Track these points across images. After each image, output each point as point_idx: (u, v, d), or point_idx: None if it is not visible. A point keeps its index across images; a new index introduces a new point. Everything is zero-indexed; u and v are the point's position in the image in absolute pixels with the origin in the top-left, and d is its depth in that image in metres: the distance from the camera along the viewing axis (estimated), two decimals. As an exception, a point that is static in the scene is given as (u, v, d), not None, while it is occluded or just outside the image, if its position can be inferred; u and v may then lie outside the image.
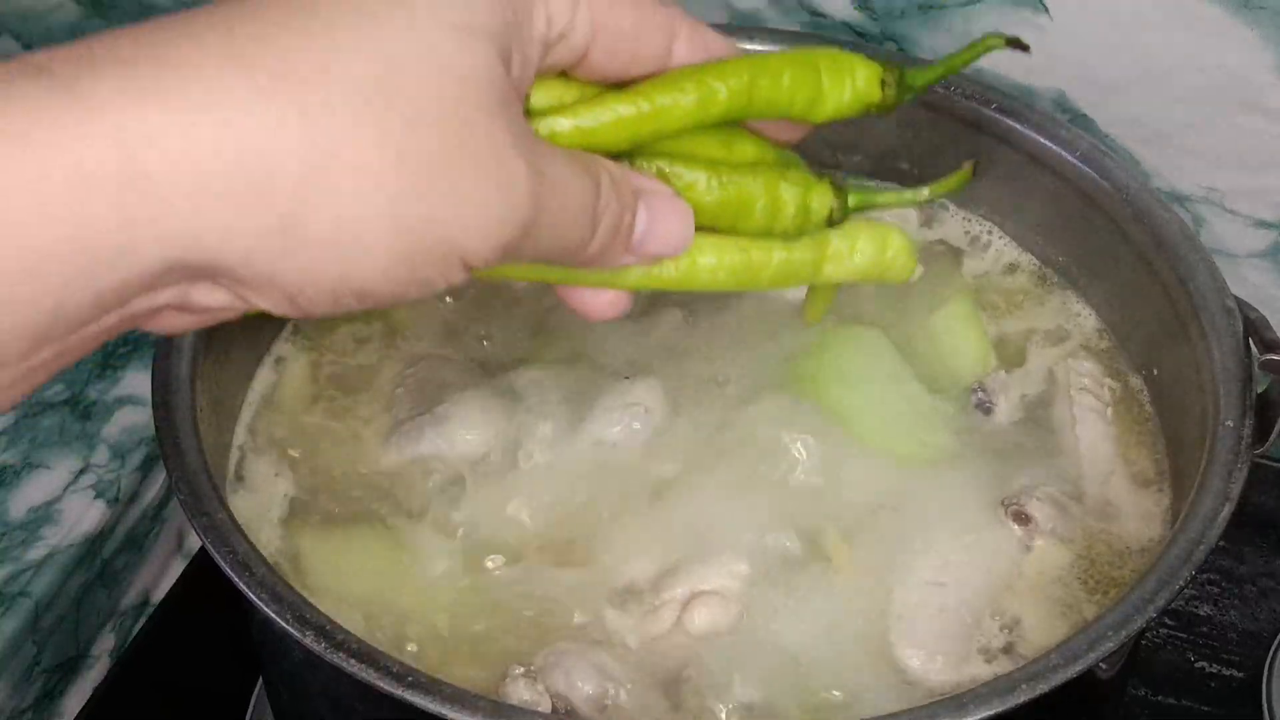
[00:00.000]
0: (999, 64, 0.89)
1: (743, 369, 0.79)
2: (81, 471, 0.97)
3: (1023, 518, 0.72)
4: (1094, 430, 0.77)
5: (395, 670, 0.60)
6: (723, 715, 0.66)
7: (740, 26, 0.89)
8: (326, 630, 0.61)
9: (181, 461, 0.67)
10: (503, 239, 0.45)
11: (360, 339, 0.82)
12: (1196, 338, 0.72)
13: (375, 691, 0.59)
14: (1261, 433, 0.68)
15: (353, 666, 0.60)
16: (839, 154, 0.89)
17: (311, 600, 0.62)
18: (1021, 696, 0.59)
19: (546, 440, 0.75)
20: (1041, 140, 0.81)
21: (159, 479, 1.00)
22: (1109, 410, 0.78)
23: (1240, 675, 0.84)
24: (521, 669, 0.67)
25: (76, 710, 0.94)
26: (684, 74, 0.56)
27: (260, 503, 0.75)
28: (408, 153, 0.42)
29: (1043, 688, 0.60)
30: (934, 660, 0.68)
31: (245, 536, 0.65)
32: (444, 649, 0.69)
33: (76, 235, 0.39)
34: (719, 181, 0.58)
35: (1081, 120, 0.89)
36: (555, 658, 0.68)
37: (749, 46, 0.86)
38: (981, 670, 0.68)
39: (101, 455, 0.98)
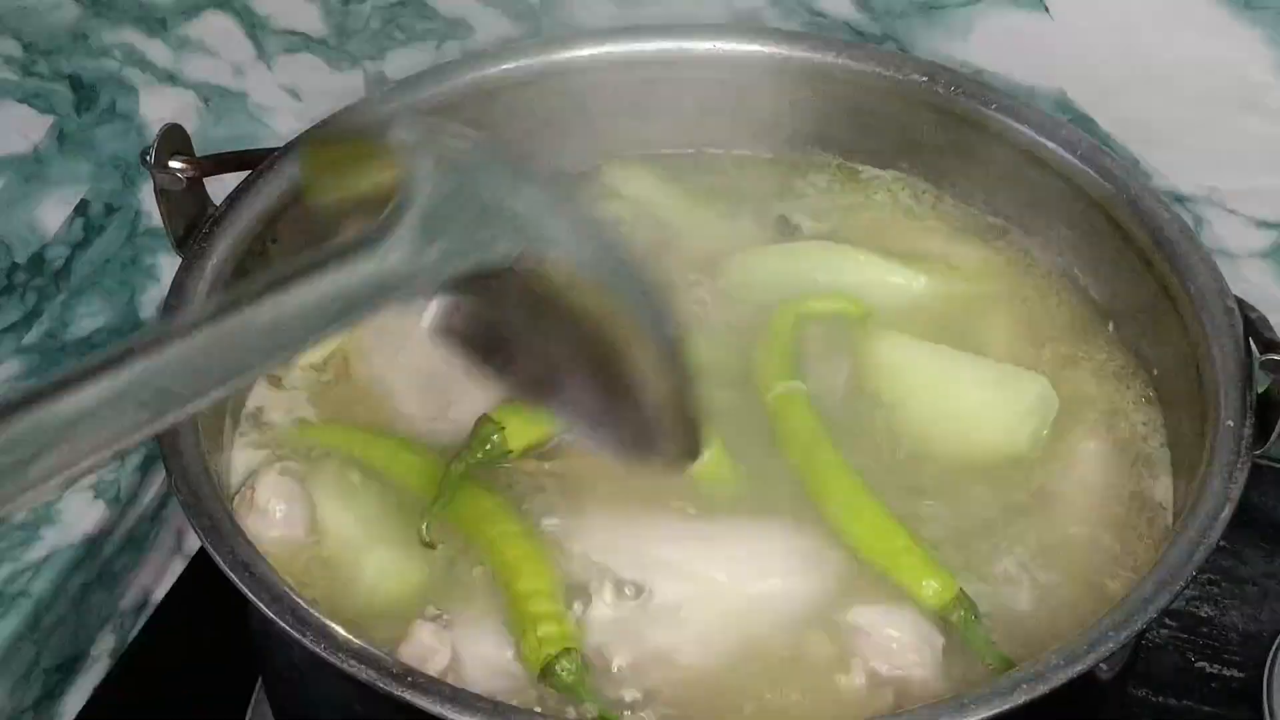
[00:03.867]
0: (999, 64, 0.89)
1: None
2: (81, 472, 0.97)
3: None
4: (1097, 477, 0.76)
5: (395, 670, 0.60)
6: None
7: (740, 26, 0.89)
8: (326, 630, 0.61)
9: (181, 461, 0.67)
10: None
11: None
12: (1197, 338, 0.72)
13: (375, 691, 0.59)
14: (1261, 433, 0.68)
15: (353, 667, 0.60)
16: (839, 154, 0.89)
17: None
18: (1021, 697, 0.59)
19: None
20: (1041, 140, 0.81)
21: (159, 479, 1.00)
22: (1113, 456, 0.77)
23: (1241, 676, 0.84)
24: (436, 613, 0.68)
25: (76, 710, 0.94)
26: None
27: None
28: None
29: (1043, 688, 0.60)
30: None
31: (245, 537, 0.65)
32: None
33: None
34: None
35: (1081, 120, 0.89)
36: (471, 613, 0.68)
37: (749, 47, 0.86)
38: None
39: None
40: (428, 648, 0.66)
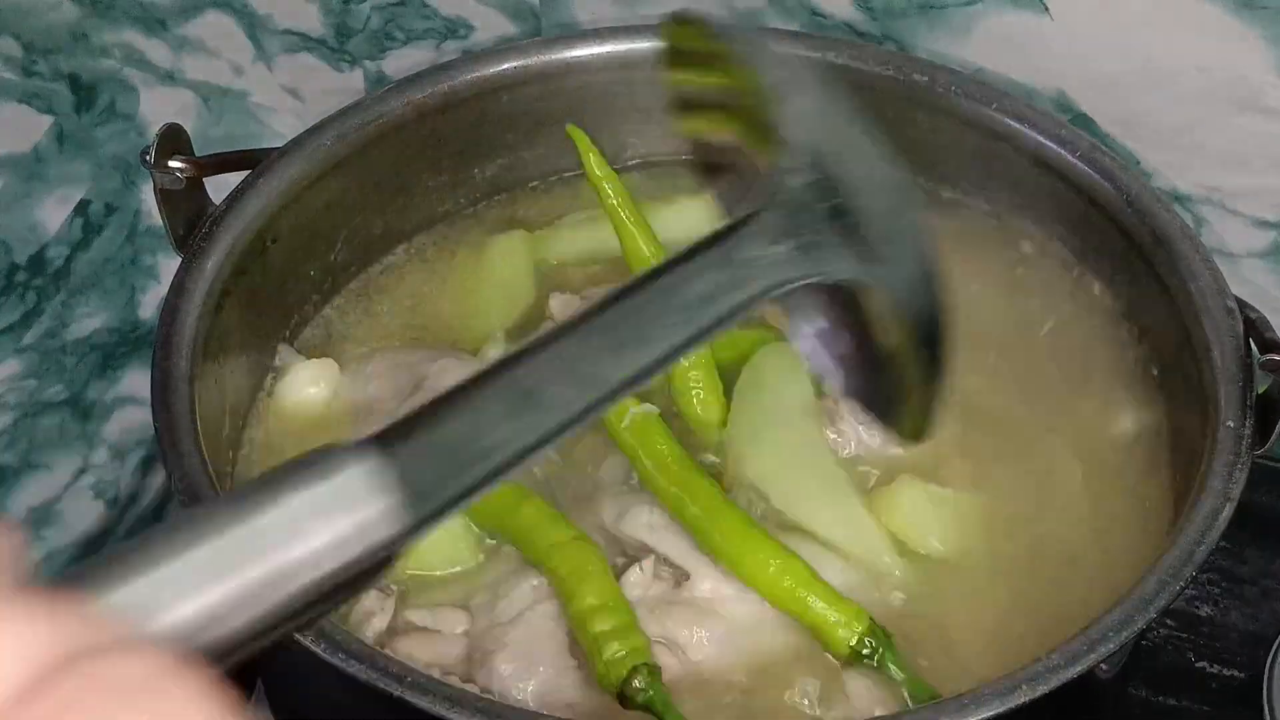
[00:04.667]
0: (999, 64, 0.89)
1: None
2: (81, 471, 0.97)
3: None
4: (1097, 478, 0.75)
5: (395, 670, 0.60)
6: None
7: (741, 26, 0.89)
8: (326, 631, 0.61)
9: (181, 461, 0.67)
10: None
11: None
12: (1197, 338, 0.72)
13: (375, 691, 0.59)
14: (1262, 433, 0.68)
15: (353, 667, 0.60)
16: (839, 154, 0.89)
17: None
18: (1022, 697, 0.59)
19: None
20: (1041, 140, 0.81)
21: (159, 479, 1.00)
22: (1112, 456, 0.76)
23: (1241, 676, 0.84)
24: None
25: (76, 710, 0.94)
26: None
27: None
28: None
29: (1043, 688, 0.60)
30: None
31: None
32: None
33: None
34: None
35: (1081, 120, 0.89)
36: None
37: (749, 46, 0.86)
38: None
39: (101, 455, 0.98)
40: (366, 611, 0.67)
